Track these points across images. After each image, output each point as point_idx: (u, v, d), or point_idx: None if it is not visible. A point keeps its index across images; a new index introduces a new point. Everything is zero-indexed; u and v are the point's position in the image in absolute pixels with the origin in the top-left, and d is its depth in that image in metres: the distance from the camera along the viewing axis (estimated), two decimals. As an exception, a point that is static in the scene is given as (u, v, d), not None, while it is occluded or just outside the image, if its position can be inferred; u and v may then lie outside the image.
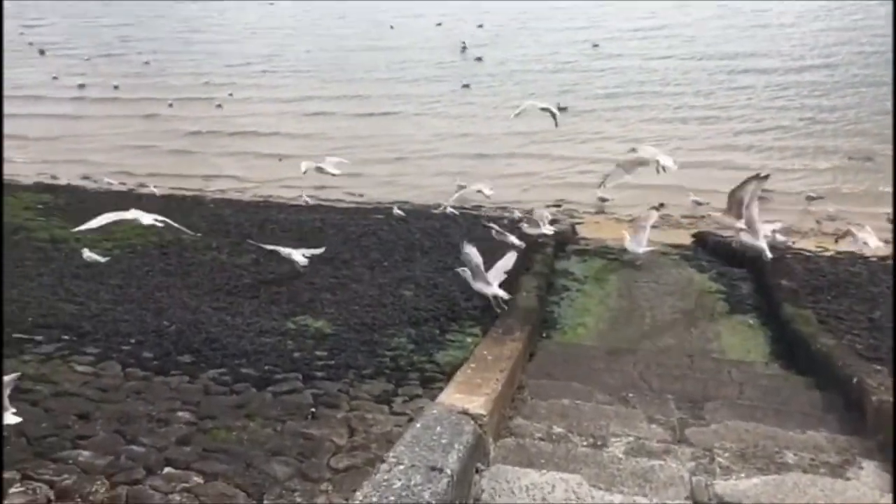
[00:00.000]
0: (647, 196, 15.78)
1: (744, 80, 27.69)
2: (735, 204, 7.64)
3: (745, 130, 22.20)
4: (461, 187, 12.96)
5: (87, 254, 8.80)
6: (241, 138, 23.97)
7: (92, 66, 36.41)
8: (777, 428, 4.77)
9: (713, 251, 11.45)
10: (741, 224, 7.76)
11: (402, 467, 3.08)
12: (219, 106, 27.62)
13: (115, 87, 31.07)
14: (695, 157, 19.33)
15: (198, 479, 4.09)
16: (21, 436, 4.41)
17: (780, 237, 9.14)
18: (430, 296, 7.96)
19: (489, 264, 7.18)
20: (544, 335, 7.32)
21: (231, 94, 28.98)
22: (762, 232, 7.95)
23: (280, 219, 12.52)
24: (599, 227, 14.65)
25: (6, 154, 21.29)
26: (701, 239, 12.76)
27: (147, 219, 7.89)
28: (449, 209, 13.14)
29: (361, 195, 17.69)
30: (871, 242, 9.39)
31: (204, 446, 4.46)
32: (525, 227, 10.19)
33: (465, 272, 7.09)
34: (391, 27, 44.41)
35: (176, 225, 8.29)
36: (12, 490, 3.82)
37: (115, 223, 7.77)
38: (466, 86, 29.45)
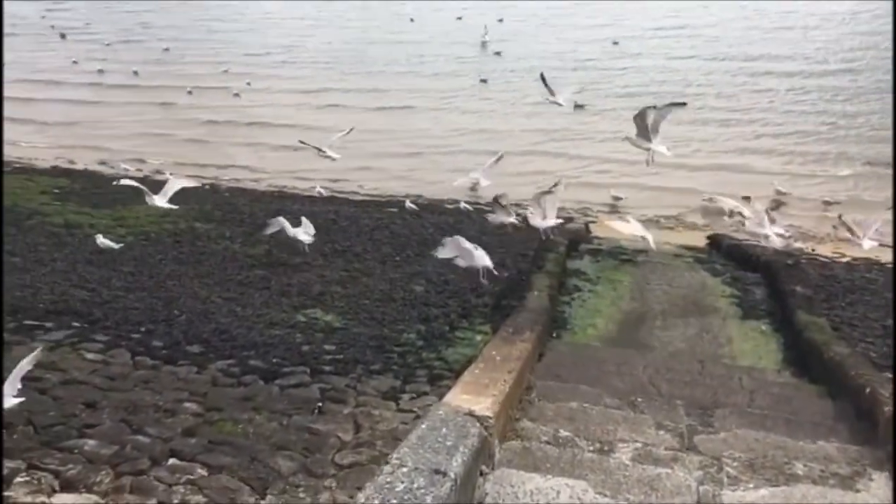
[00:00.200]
0: (661, 197, 15.68)
1: (766, 83, 27.36)
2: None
3: (767, 134, 21.92)
4: (475, 182, 12.99)
5: (101, 240, 8.84)
6: (257, 128, 23.96)
7: (112, 52, 36.53)
8: (787, 438, 4.70)
9: (727, 254, 11.36)
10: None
11: (405, 470, 3.05)
12: (236, 95, 27.65)
13: (135, 73, 31.18)
14: (714, 160, 19.19)
15: (202, 472, 4.10)
16: (28, 424, 4.43)
17: (789, 240, 9.12)
18: (441, 292, 7.95)
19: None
20: (554, 335, 7.26)
21: (249, 84, 28.97)
22: (767, 219, 7.94)
23: (294, 209, 12.51)
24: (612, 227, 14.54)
25: (26, 138, 21.51)
26: (715, 241, 12.66)
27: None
28: (462, 204, 13.13)
29: (376, 188, 17.67)
30: (865, 244, 9.30)
31: (210, 438, 4.47)
32: (529, 215, 10.20)
33: (445, 250, 7.57)
34: (411, 20, 44.32)
35: None
36: (17, 479, 3.83)
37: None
38: (484, 81, 29.33)
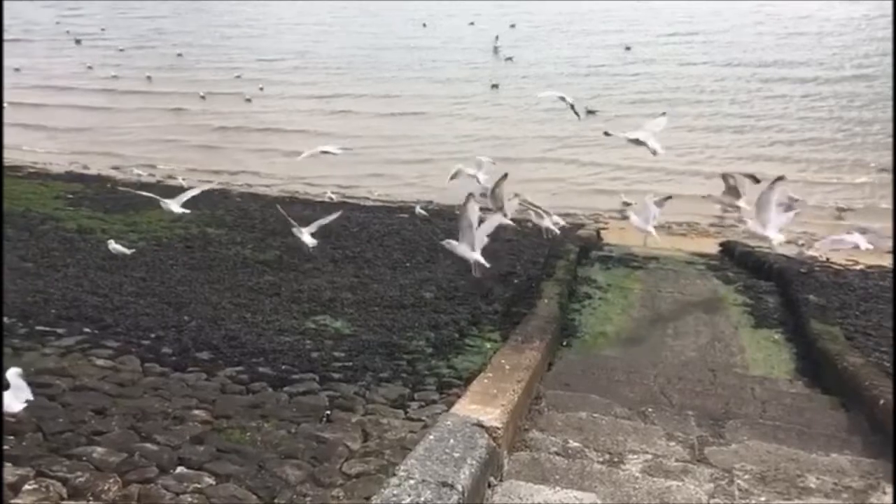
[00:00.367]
0: (674, 204, 15.54)
1: (780, 89, 27.26)
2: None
3: (780, 141, 21.82)
4: (484, 191, 12.96)
5: (113, 245, 8.87)
6: (269, 134, 24.12)
7: (126, 57, 36.88)
8: (800, 450, 4.64)
9: (740, 261, 11.28)
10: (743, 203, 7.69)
11: (412, 482, 3.02)
12: (248, 100, 27.82)
13: (148, 79, 31.43)
14: (728, 167, 19.01)
15: (210, 480, 4.08)
16: (38, 431, 4.44)
17: (801, 247, 9.01)
18: (451, 298, 7.92)
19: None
20: (564, 343, 7.22)
21: (262, 89, 29.16)
22: (774, 223, 7.82)
23: (305, 215, 12.53)
24: (624, 234, 14.49)
25: (39, 144, 21.69)
26: (728, 248, 12.58)
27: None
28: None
29: (387, 194, 17.70)
30: (862, 244, 9.19)
31: (218, 446, 4.45)
32: (532, 217, 10.23)
33: (450, 243, 7.67)
34: (424, 25, 44.44)
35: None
36: (26, 487, 3.83)
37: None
38: (495, 86, 29.36)
